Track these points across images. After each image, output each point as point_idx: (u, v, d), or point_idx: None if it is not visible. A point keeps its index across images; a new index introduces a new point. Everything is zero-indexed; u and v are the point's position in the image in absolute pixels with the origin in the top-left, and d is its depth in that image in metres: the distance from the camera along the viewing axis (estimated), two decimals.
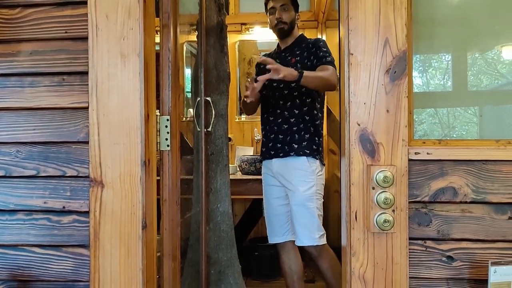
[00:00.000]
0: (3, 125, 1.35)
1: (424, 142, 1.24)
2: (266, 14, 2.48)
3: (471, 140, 1.31)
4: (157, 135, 1.44)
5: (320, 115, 2.40)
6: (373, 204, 1.17)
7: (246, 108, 2.63)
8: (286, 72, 2.08)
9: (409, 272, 1.20)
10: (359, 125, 1.20)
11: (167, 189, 1.54)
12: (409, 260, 1.20)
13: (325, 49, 2.33)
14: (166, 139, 1.48)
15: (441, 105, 1.51)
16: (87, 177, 1.30)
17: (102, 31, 1.28)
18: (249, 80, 2.34)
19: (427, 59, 1.48)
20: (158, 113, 1.48)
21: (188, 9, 2.46)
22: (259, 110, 2.58)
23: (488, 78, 1.48)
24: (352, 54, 1.21)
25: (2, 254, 1.35)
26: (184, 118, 3.28)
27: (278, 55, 2.48)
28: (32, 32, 1.34)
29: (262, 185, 2.53)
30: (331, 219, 3.35)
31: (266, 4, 2.50)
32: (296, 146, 2.30)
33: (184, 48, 3.48)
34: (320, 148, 2.38)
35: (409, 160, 1.20)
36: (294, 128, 2.32)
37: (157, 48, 1.47)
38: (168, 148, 1.49)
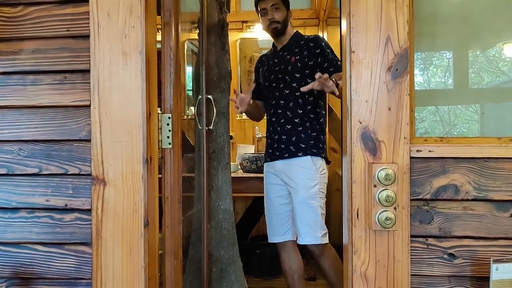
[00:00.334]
0: (5, 123, 1.35)
1: (426, 140, 1.24)
2: (258, 16, 2.47)
3: (473, 138, 1.31)
4: (158, 133, 1.44)
5: (323, 112, 2.39)
6: (374, 202, 1.18)
7: (251, 116, 2.64)
8: (331, 89, 2.08)
9: (411, 270, 1.20)
10: (360, 123, 1.20)
11: (169, 187, 1.54)
12: (411, 258, 1.20)
13: (329, 50, 2.32)
14: (168, 137, 1.48)
15: (442, 103, 1.51)
16: (89, 175, 1.31)
17: (103, 29, 1.28)
18: (234, 92, 2.38)
19: (428, 56, 1.48)
20: (159, 111, 1.48)
21: (189, 7, 2.46)
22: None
23: (489, 75, 1.48)
24: (353, 52, 1.21)
25: (5, 252, 1.35)
26: (185, 116, 3.29)
27: (275, 55, 2.47)
28: (34, 30, 1.34)
29: (263, 183, 2.53)
30: (333, 217, 3.36)
31: (256, 6, 2.47)
32: (303, 145, 2.29)
33: (186, 46, 3.48)
34: (325, 146, 2.38)
35: (411, 157, 1.20)
36: (300, 128, 2.31)
37: (159, 46, 1.47)
38: (170, 146, 1.49)
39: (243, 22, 3.91)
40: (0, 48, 1.35)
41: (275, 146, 2.37)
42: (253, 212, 3.74)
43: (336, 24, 3.74)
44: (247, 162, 3.38)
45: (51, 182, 1.33)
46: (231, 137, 3.02)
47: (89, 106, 1.30)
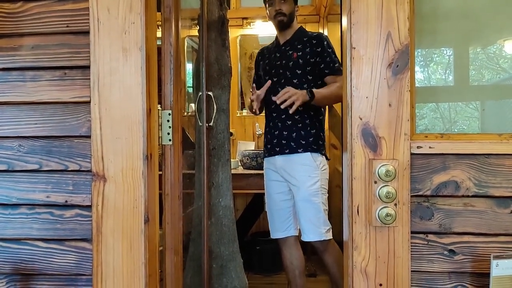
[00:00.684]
0: (5, 119, 1.35)
1: (427, 136, 1.24)
2: (265, 5, 2.46)
3: (474, 134, 1.31)
4: (159, 130, 1.44)
5: (323, 109, 2.39)
6: (375, 198, 1.17)
7: (253, 110, 2.64)
8: (299, 98, 2.13)
9: (411, 266, 1.20)
10: (361, 119, 1.20)
11: (169, 183, 1.55)
12: (411, 254, 1.20)
13: (330, 50, 2.31)
14: (168, 134, 1.48)
15: (442, 99, 1.50)
16: (89, 171, 1.31)
17: (103, 25, 1.28)
18: (251, 90, 2.37)
19: (429, 53, 1.48)
20: (160, 108, 1.47)
21: (189, 3, 2.46)
22: None
23: (489, 72, 1.48)
24: (354, 48, 1.20)
25: (5, 248, 1.35)
26: (185, 113, 3.28)
27: (278, 49, 2.46)
28: (33, 26, 1.34)
29: (263, 179, 2.53)
30: (333, 213, 3.36)
31: None
32: (303, 142, 2.29)
33: (186, 43, 3.48)
34: (325, 143, 2.37)
35: (411, 154, 1.19)
36: (300, 125, 2.30)
37: (159, 42, 1.47)
38: (170, 143, 1.49)
39: (244, 18, 3.90)
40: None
41: (275, 141, 2.37)
42: (253, 209, 3.74)
43: (336, 21, 3.74)
44: (247, 159, 3.38)
45: (51, 178, 1.33)
46: (231, 134, 3.02)
47: (89, 102, 1.30)
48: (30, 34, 1.34)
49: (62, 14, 1.33)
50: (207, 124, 2.21)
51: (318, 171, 2.27)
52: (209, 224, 2.34)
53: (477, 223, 1.20)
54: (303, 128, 2.30)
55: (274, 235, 2.47)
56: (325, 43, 2.31)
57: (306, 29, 2.49)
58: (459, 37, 1.46)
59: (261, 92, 2.33)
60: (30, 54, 1.34)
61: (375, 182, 1.17)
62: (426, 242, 1.21)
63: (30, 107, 1.34)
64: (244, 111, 3.95)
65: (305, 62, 2.30)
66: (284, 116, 2.34)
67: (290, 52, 2.37)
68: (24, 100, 1.34)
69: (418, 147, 1.20)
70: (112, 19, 1.28)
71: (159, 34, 1.45)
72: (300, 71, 2.31)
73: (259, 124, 3.80)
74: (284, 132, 2.33)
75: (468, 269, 1.21)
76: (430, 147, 1.20)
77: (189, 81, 3.45)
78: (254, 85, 2.45)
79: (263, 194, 2.53)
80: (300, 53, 2.33)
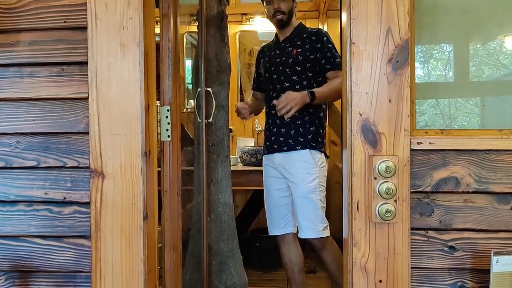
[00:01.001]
0: (3, 116, 1.34)
1: (427, 132, 1.23)
2: (263, 3, 2.44)
3: (474, 130, 1.31)
4: (157, 126, 1.43)
5: (323, 106, 2.38)
6: (375, 194, 1.17)
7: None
8: (298, 103, 2.15)
9: (411, 262, 1.19)
10: (361, 115, 1.19)
11: (168, 179, 1.54)
12: (411, 250, 1.19)
13: (330, 45, 2.29)
14: (167, 130, 1.47)
15: (442, 96, 1.50)
16: (88, 168, 1.30)
17: (101, 21, 1.27)
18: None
19: (429, 49, 1.47)
20: (158, 104, 1.47)
21: None
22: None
23: (489, 68, 1.47)
24: (354, 43, 1.20)
25: (4, 245, 1.35)
26: (185, 109, 3.28)
27: (277, 46, 2.45)
28: (30, 22, 1.33)
29: (262, 176, 2.52)
30: (332, 210, 3.36)
31: None
32: (302, 139, 2.28)
33: (185, 39, 3.47)
34: (324, 140, 2.37)
35: (411, 150, 1.19)
36: (298, 122, 2.29)
37: (157, 39, 1.46)
38: (169, 139, 1.48)
39: (243, 14, 3.88)
40: None
41: (273, 139, 2.36)
42: (253, 205, 3.74)
43: (336, 17, 3.72)
44: (246, 155, 3.37)
45: (50, 175, 1.33)
46: (230, 130, 3.01)
47: (87, 98, 1.29)
48: (27, 30, 1.33)
49: (59, 9, 1.32)
50: (206, 121, 2.20)
51: (317, 168, 2.26)
52: (208, 220, 2.33)
53: (477, 219, 1.20)
54: (302, 126, 2.29)
55: (272, 232, 2.47)
56: (325, 38, 2.30)
57: (306, 25, 2.48)
58: (459, 33, 1.45)
59: (242, 106, 2.48)
60: (28, 50, 1.33)
61: (375, 178, 1.17)
62: (426, 239, 1.21)
63: (27, 103, 1.33)
64: None
65: (304, 58, 2.29)
66: None
67: (289, 49, 2.36)
68: (22, 96, 1.33)
69: (418, 143, 1.19)
70: (110, 14, 1.27)
71: (157, 30, 1.45)
72: (299, 68, 2.30)
73: (259, 121, 3.79)
74: (282, 130, 2.33)
75: (468, 265, 1.20)
76: (430, 143, 1.19)
77: (188, 78, 3.44)
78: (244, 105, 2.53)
79: (263, 190, 2.53)
80: (300, 49, 2.32)
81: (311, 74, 2.30)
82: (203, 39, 2.22)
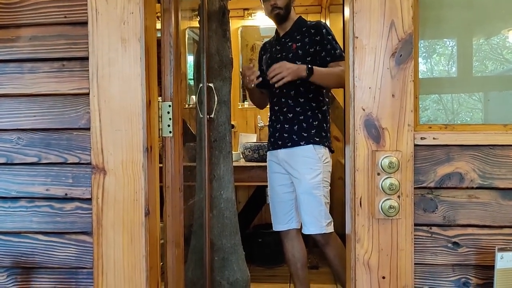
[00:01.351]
0: (4, 112, 1.34)
1: (430, 127, 1.22)
2: (261, 1, 2.43)
3: (478, 125, 1.29)
4: (159, 122, 1.42)
5: (326, 100, 2.36)
6: (378, 190, 1.16)
7: (256, 102, 2.61)
8: (291, 74, 2.11)
9: (414, 258, 1.19)
10: (364, 110, 1.18)
11: (170, 175, 1.53)
12: (414, 246, 1.19)
13: (330, 37, 2.28)
14: (168, 126, 1.46)
15: (445, 91, 1.49)
16: (89, 164, 1.29)
17: (102, 16, 1.26)
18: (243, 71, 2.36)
19: (431, 44, 1.46)
20: (160, 100, 1.46)
21: None
22: None
23: (493, 63, 1.46)
24: (357, 37, 1.18)
25: (6, 242, 1.34)
26: (186, 105, 3.27)
27: (278, 42, 2.44)
28: (31, 17, 1.32)
29: (265, 172, 2.52)
30: (335, 205, 3.34)
31: None
32: (305, 134, 2.27)
33: (186, 34, 3.46)
34: (329, 134, 2.35)
35: (415, 145, 1.18)
36: (301, 117, 2.28)
37: (159, 34, 1.45)
38: (171, 135, 1.48)
39: (245, 9, 3.86)
40: None
41: (277, 135, 2.35)
42: (255, 201, 3.74)
43: (338, 11, 3.71)
44: (249, 151, 3.37)
45: (51, 171, 1.32)
46: (232, 126, 3.00)
47: (88, 94, 1.28)
48: (27, 25, 1.32)
49: (59, 4, 1.31)
50: (208, 116, 2.19)
51: (320, 163, 2.25)
52: (210, 216, 2.33)
53: (481, 215, 1.19)
54: (305, 121, 2.28)
55: (276, 227, 2.46)
56: (324, 30, 2.28)
57: (306, 19, 2.46)
58: (462, 27, 1.43)
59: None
60: (28, 45, 1.32)
61: (378, 174, 1.16)
62: (429, 235, 1.20)
63: (28, 99, 1.33)
64: (245, 103, 3.93)
65: (304, 52, 2.28)
66: (285, 109, 2.32)
67: (289, 44, 2.35)
68: (23, 92, 1.32)
69: (421, 138, 1.18)
70: (111, 9, 1.26)
71: (158, 26, 1.43)
72: (300, 62, 2.28)
73: (261, 116, 3.78)
74: (286, 126, 2.32)
75: (472, 261, 1.19)
76: (434, 138, 1.18)
77: (190, 73, 3.43)
78: (252, 65, 2.42)
79: (265, 186, 2.53)
80: (299, 43, 2.31)
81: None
82: (204, 34, 2.21)
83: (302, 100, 2.27)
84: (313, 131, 2.27)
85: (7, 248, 1.34)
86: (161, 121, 1.45)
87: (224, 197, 2.44)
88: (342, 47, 2.29)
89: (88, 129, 1.29)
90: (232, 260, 2.44)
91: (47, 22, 1.31)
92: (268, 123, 2.48)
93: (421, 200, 1.20)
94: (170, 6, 1.51)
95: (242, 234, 2.59)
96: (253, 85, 2.28)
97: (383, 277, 1.19)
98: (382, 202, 1.15)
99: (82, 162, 1.31)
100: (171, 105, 1.47)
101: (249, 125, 3.93)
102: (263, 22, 3.84)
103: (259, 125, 3.85)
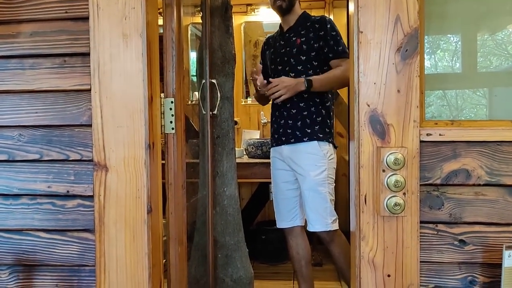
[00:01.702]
0: (5, 108, 1.33)
1: (436, 123, 1.20)
2: None
3: (485, 121, 1.27)
4: (161, 118, 1.41)
5: (330, 96, 2.35)
6: (383, 187, 1.14)
7: (261, 100, 2.60)
8: (290, 91, 2.16)
9: (420, 256, 1.17)
10: (368, 106, 1.17)
11: (172, 172, 1.52)
12: (420, 244, 1.17)
13: (334, 33, 2.25)
14: (171, 122, 1.45)
15: (449, 87, 1.47)
16: (91, 160, 1.28)
17: (103, 11, 1.25)
18: (254, 70, 2.34)
19: (436, 40, 1.44)
20: (162, 96, 1.45)
21: None
22: None
23: (498, 59, 1.44)
24: (361, 32, 1.17)
25: (7, 239, 1.34)
26: (189, 101, 3.26)
27: (281, 36, 2.42)
28: (32, 12, 1.31)
29: (268, 168, 2.51)
30: (339, 203, 3.33)
31: None
32: (309, 130, 2.25)
33: (189, 30, 3.44)
34: (332, 130, 2.34)
35: (421, 141, 1.16)
36: (305, 113, 2.27)
37: (161, 30, 1.43)
38: (173, 131, 1.46)
39: (248, 5, 3.84)
40: None
41: (281, 131, 2.34)
42: (259, 198, 3.72)
43: (342, 6, 3.68)
44: (252, 148, 3.35)
45: (52, 168, 1.31)
46: (235, 122, 2.99)
47: (89, 90, 1.27)
48: (28, 21, 1.31)
49: None
50: (211, 112, 2.18)
51: (325, 160, 2.23)
52: (213, 213, 2.32)
53: (488, 213, 1.17)
54: (309, 116, 2.26)
55: (280, 224, 2.45)
56: (329, 26, 2.26)
57: (310, 14, 2.44)
58: (467, 22, 1.41)
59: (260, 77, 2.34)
60: (29, 41, 1.31)
61: (383, 171, 1.14)
62: (435, 232, 1.18)
63: (30, 95, 1.32)
64: (249, 99, 3.91)
65: (309, 47, 2.26)
66: (289, 105, 2.30)
67: (293, 39, 2.33)
68: (24, 88, 1.31)
69: (427, 134, 1.16)
70: (112, 4, 1.24)
71: (161, 22, 1.42)
72: (304, 57, 2.27)
73: (264, 113, 3.76)
74: (289, 121, 2.30)
75: (479, 259, 1.18)
76: (440, 135, 1.16)
77: (193, 69, 3.42)
78: (254, 69, 2.42)
79: (269, 183, 2.52)
80: (304, 38, 2.29)
81: (316, 63, 2.27)
82: (207, 30, 2.19)
83: (306, 95, 2.26)
84: (317, 127, 2.25)
85: (9, 246, 1.34)
86: (164, 118, 1.43)
87: (227, 194, 2.43)
88: (346, 42, 2.27)
89: (90, 125, 1.28)
90: (236, 257, 2.43)
91: (48, 18, 1.30)
92: (271, 119, 2.47)
93: (427, 197, 1.18)
94: (172, 1, 1.50)
95: (245, 231, 2.58)
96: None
97: (388, 275, 1.17)
98: (387, 199, 1.14)
99: (84, 159, 1.30)
100: (173, 101, 1.45)
101: (252, 121, 3.92)
102: (266, 18, 3.82)
103: (262, 121, 3.83)
